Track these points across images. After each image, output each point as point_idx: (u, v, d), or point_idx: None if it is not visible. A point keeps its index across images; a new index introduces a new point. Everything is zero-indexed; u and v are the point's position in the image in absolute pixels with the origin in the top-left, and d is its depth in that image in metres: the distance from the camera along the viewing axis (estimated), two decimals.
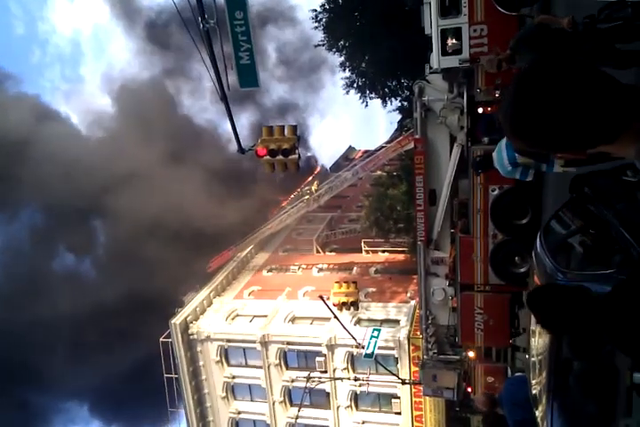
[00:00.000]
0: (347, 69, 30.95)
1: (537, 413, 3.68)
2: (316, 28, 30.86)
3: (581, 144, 1.42)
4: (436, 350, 20.35)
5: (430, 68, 16.84)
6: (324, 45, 31.20)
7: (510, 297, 17.18)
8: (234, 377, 29.76)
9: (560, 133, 1.35)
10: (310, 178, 48.01)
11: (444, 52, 15.61)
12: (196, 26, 11.64)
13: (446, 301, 19.12)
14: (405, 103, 30.95)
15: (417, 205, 17.98)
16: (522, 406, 5.39)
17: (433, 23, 15.68)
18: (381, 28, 26.50)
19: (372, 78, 30.28)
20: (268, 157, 13.94)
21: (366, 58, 29.10)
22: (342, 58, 30.74)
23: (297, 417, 23.94)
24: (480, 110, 15.80)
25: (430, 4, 15.49)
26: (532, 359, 3.85)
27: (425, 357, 20.73)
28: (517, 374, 7.48)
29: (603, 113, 1.32)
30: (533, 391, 3.81)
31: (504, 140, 6.39)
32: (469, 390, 22.33)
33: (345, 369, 26.92)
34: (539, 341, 3.68)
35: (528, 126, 1.38)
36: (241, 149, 14.62)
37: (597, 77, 1.32)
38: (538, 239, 3.49)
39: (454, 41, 15.85)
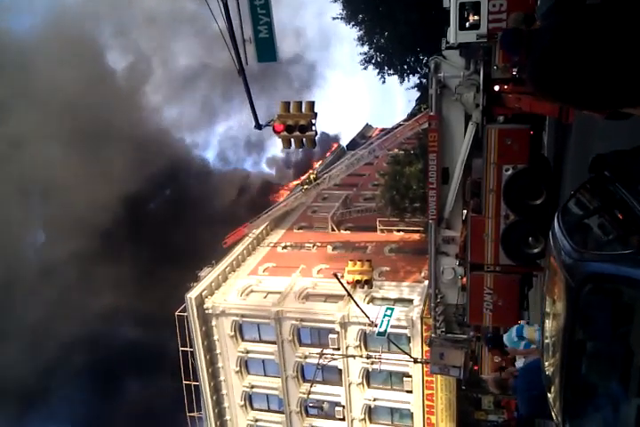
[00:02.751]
0: (365, 44, 30.54)
1: (549, 395, 3.66)
2: (335, 1, 30.43)
3: (607, 104, 1.36)
4: (444, 329, 20.42)
5: (447, 42, 16.52)
6: (342, 19, 30.73)
7: (520, 278, 17.11)
8: (248, 352, 30.15)
9: (590, 92, 1.30)
10: (327, 154, 47.86)
11: (462, 27, 15.29)
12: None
13: (456, 280, 19.09)
14: (424, 80, 30.53)
15: (429, 183, 17.84)
16: (538, 399, 5.34)
17: None
18: (400, 1, 26.04)
19: (391, 54, 29.84)
20: (285, 132, 13.90)
21: (385, 33, 28.65)
22: (361, 32, 30.29)
23: (309, 393, 24.26)
24: (496, 88, 15.53)
25: None
26: (546, 341, 3.82)
27: (433, 335, 20.82)
28: (530, 358, 7.46)
29: (635, 75, 1.25)
30: (546, 373, 3.79)
31: (514, 330, 7.58)
32: (476, 368, 22.45)
33: (357, 347, 27.14)
34: (552, 322, 3.65)
35: (556, 81, 1.32)
36: (258, 125, 14.56)
37: (635, 37, 1.24)
38: (555, 219, 3.43)
39: (475, 17, 15.52)
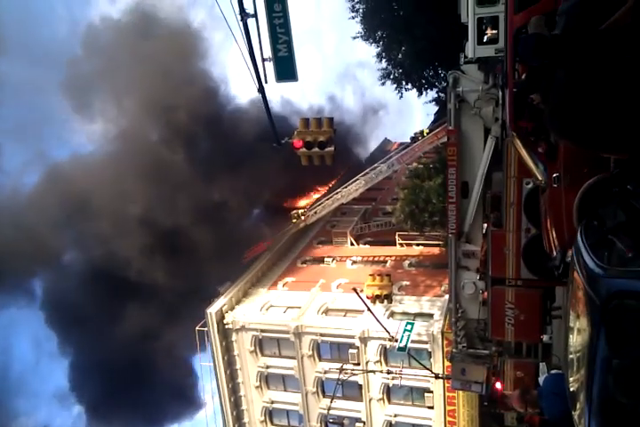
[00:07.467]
0: (383, 60, 30.78)
1: (574, 412, 3.62)
2: (354, 18, 30.77)
3: (627, 147, 1.38)
4: (465, 344, 20.23)
5: (465, 57, 16.62)
6: (361, 37, 31.08)
7: (542, 292, 16.93)
8: (267, 367, 30.05)
9: (611, 136, 1.32)
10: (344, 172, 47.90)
11: (480, 41, 15.37)
12: (235, 17, 11.68)
13: (477, 294, 18.98)
14: (442, 94, 30.66)
15: (449, 197, 17.83)
16: (563, 400, 5.27)
17: (469, 11, 15.47)
18: (418, 16, 26.26)
19: (409, 69, 30.04)
20: (304, 149, 13.96)
21: (403, 48, 28.87)
22: (378, 49, 30.57)
23: (329, 408, 24.07)
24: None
25: None
26: (570, 356, 3.79)
27: (454, 350, 20.65)
28: (553, 371, 7.32)
29: None
30: (571, 389, 3.75)
31: None
32: (498, 385, 22.05)
33: (378, 362, 26.92)
34: (577, 338, 3.62)
35: (575, 128, 1.35)
36: (277, 141, 14.65)
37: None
38: (578, 235, 3.42)
39: (494, 31, 15.59)
